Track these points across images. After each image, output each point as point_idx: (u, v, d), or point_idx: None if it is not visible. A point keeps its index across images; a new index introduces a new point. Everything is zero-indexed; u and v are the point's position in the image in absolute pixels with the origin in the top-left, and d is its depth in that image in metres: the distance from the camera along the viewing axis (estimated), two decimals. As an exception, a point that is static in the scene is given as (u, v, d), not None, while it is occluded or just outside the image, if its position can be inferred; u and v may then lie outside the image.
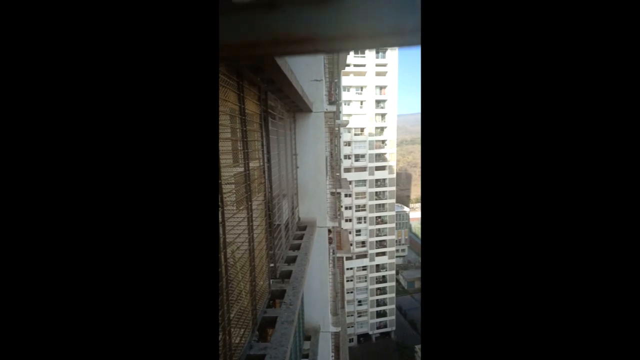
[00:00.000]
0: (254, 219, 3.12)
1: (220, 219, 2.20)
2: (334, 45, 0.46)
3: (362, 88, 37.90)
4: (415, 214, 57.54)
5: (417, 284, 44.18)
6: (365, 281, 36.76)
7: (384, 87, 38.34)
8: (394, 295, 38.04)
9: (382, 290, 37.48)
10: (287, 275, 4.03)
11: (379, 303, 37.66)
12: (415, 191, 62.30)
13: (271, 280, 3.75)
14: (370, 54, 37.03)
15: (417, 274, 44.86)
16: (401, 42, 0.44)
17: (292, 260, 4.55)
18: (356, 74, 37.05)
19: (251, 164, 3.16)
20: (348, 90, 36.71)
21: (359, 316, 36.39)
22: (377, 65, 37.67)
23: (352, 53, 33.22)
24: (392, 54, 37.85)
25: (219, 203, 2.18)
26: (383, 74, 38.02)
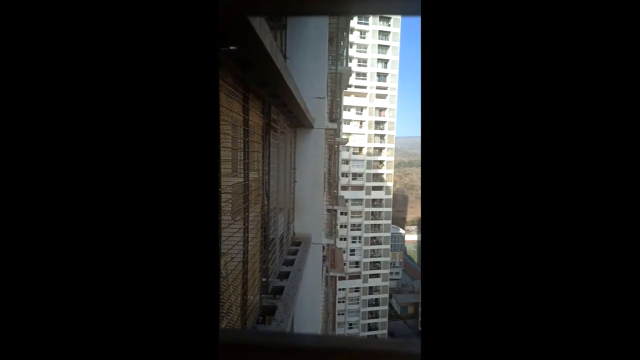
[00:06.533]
0: (249, 230, 3.07)
1: (215, 228, 2.16)
2: (338, 6, 0.48)
3: (362, 109, 38.71)
4: (410, 236, 57.08)
5: (410, 309, 43.21)
6: (358, 303, 35.88)
7: (384, 109, 39.22)
8: (386, 319, 37.05)
9: (373, 314, 36.54)
10: (279, 291, 3.92)
11: (371, 327, 36.56)
12: (412, 213, 62.20)
13: (262, 296, 3.64)
14: (371, 79, 38.11)
15: (411, 298, 43.97)
16: (402, 10, 0.46)
17: (284, 275, 4.45)
18: (357, 94, 37.96)
19: (250, 175, 3.14)
20: (349, 110, 37.44)
21: (350, 340, 35.15)
22: (377, 87, 38.71)
23: (354, 75, 34.24)
24: (393, 79, 39.01)
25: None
26: (383, 96, 38.99)
